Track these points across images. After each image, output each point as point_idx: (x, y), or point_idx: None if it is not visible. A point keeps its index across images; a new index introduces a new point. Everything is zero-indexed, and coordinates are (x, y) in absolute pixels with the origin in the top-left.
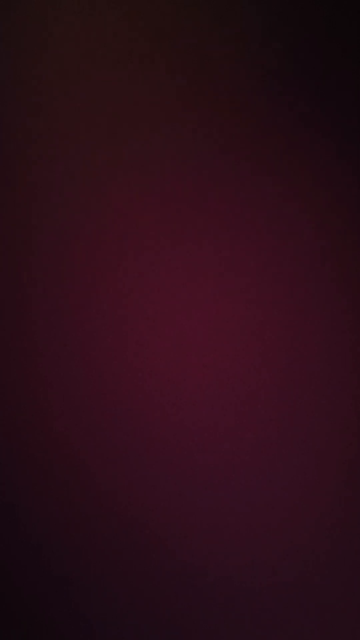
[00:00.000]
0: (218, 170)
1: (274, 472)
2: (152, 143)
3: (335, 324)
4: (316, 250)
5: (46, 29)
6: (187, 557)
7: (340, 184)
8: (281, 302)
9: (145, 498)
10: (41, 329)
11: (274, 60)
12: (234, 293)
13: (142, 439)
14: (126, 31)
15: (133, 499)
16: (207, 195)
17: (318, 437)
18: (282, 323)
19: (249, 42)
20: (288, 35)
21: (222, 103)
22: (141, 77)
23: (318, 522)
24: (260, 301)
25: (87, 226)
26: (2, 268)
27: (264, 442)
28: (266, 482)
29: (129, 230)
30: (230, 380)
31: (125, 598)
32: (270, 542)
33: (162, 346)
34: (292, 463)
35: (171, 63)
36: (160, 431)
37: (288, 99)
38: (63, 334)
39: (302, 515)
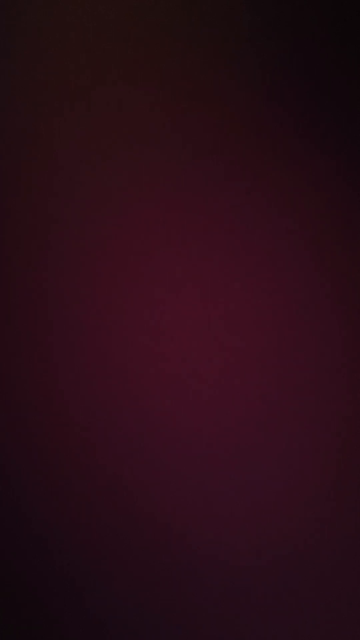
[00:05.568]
0: (219, 180)
1: (275, 456)
2: (152, 151)
3: (333, 331)
4: (315, 259)
5: (45, 41)
6: (188, 543)
7: (339, 193)
8: (281, 304)
9: (146, 487)
10: (52, 327)
11: (274, 71)
12: (234, 294)
13: (145, 428)
14: (124, 42)
15: (135, 486)
16: (208, 205)
17: (316, 424)
18: (282, 324)
19: (247, 52)
20: (288, 45)
21: (222, 113)
22: (140, 86)
23: (316, 507)
24: (260, 303)
25: (91, 232)
26: (11, 269)
27: (265, 427)
28: (267, 466)
29: (131, 237)
30: (232, 375)
31: (126, 585)
32: (271, 527)
33: (164, 345)
34: (292, 448)
35: (170, 73)
36: (162, 421)
37: (288, 109)
38: (70, 335)
39: (301, 498)
